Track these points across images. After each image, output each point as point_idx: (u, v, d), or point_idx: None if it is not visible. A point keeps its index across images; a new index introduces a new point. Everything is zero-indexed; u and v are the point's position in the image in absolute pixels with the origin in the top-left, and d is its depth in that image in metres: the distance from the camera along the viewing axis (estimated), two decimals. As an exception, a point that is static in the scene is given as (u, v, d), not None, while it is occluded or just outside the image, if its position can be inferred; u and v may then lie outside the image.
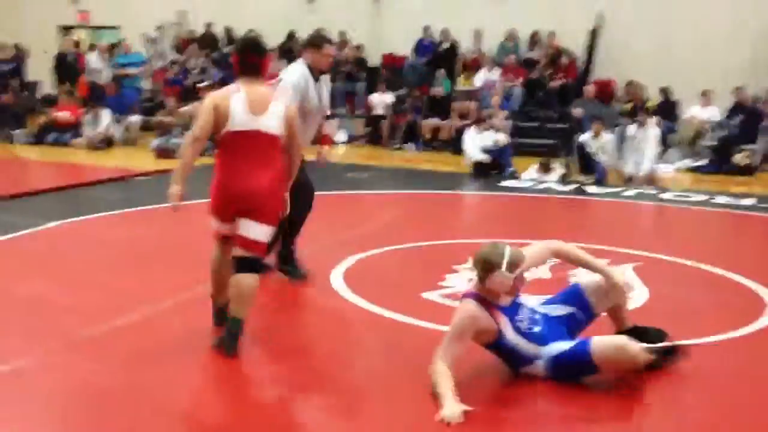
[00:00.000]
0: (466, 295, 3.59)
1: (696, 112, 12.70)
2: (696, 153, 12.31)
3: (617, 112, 12.75)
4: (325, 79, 5.19)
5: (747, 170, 11.55)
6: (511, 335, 3.54)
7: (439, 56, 14.74)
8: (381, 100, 14.34)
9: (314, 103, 5.03)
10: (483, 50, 14.71)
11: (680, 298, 5.06)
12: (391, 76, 15.03)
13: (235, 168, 3.83)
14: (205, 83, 13.45)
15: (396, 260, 5.92)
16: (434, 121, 13.90)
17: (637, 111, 11.55)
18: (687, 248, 6.34)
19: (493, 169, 10.68)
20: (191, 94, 13.58)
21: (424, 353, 3.55)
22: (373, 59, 15.81)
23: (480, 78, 14.08)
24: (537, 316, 3.66)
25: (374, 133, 14.34)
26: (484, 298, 3.53)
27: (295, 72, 5.00)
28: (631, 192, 9.50)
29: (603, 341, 3.50)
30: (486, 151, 10.80)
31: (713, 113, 12.65)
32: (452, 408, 3.18)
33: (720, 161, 11.74)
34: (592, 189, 9.63)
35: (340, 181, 9.54)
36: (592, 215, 8.65)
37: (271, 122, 3.87)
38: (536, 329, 3.59)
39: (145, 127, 14.01)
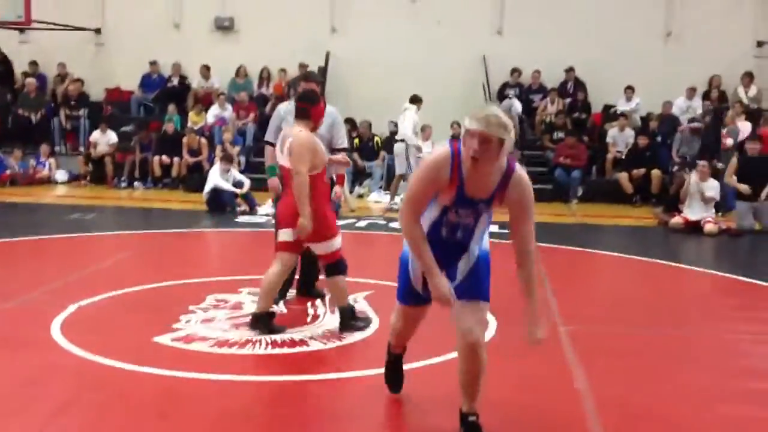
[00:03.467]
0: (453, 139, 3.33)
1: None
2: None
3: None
4: (327, 113, 5.28)
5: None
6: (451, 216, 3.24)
7: (169, 91, 14.36)
8: (104, 138, 13.64)
9: None
10: (215, 86, 14.58)
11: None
12: (116, 112, 14.36)
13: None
14: None
15: (125, 304, 5.57)
16: (165, 158, 13.47)
17: (365, 145, 12.11)
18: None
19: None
20: None
21: (152, 403, 3.34)
22: (97, 94, 15.03)
23: (211, 115, 13.92)
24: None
25: (97, 172, 13.58)
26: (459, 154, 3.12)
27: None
28: (362, 223, 9.87)
29: None
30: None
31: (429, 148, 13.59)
32: (445, 285, 3.18)
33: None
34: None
35: (62, 223, 8.85)
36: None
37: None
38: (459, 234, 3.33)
39: None
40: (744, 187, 10.19)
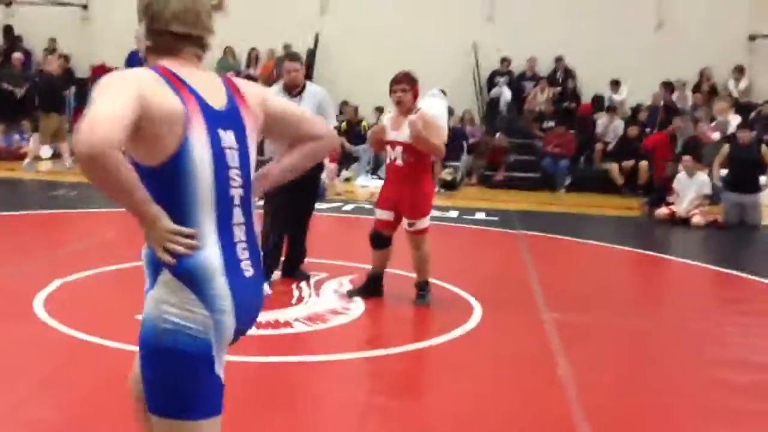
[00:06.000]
0: None
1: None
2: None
3: (335, 131, 13.19)
4: (313, 93, 5.51)
5: (451, 185, 12.52)
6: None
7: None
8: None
9: None
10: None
11: (394, 306, 5.28)
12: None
13: None
14: None
15: (110, 281, 5.52)
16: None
17: (352, 129, 12.04)
18: (399, 260, 6.65)
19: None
20: None
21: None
22: (83, 71, 14.88)
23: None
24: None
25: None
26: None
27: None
28: (348, 207, 9.84)
29: None
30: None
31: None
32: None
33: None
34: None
35: (46, 199, 8.74)
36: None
37: None
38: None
39: None
40: (718, 174, 10.30)
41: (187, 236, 1.84)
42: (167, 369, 1.84)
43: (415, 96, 5.13)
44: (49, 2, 14.61)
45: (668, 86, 13.93)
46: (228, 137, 1.93)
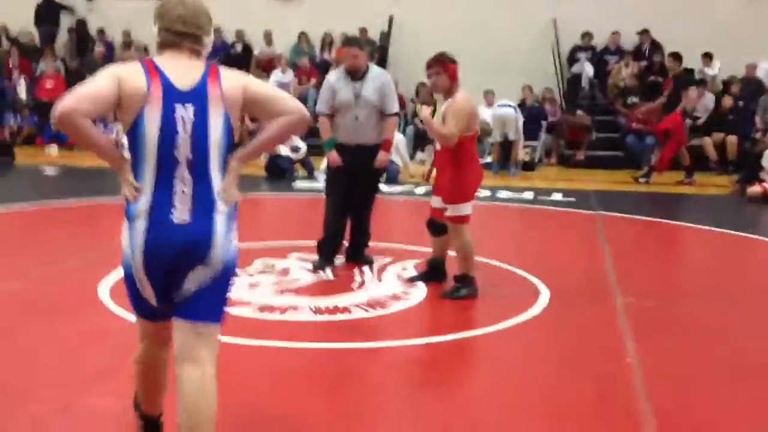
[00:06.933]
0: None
1: (480, 112, 13.17)
2: (482, 151, 12.79)
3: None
4: (375, 76, 5.48)
5: (529, 166, 12.18)
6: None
7: (232, 57, 14.38)
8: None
9: (344, 99, 5.39)
10: (278, 52, 14.54)
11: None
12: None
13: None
14: None
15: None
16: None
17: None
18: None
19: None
20: None
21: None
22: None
23: (272, 80, 13.87)
24: None
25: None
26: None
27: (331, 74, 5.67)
28: (420, 189, 9.68)
29: None
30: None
31: (506, 111, 12.99)
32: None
33: (504, 158, 12.20)
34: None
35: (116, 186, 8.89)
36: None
37: None
38: None
39: None
40: None
41: (136, 188, 2.40)
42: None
43: (453, 77, 4.92)
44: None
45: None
46: (185, 111, 2.40)
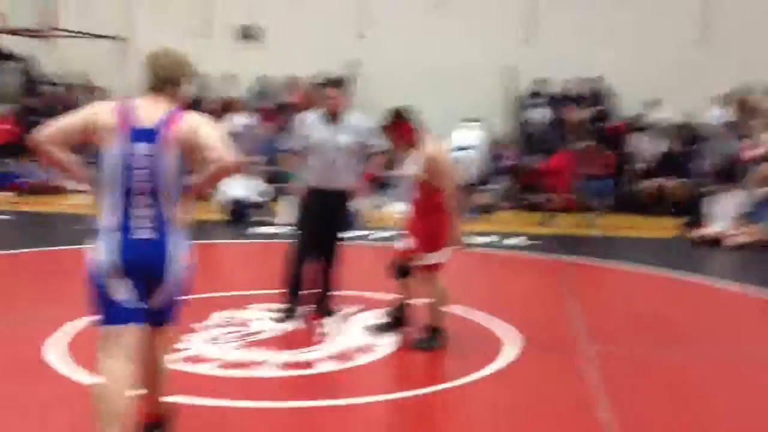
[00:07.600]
0: None
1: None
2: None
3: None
4: (355, 120, 5.43)
5: (486, 209, 12.24)
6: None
7: (193, 100, 14.28)
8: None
9: (319, 141, 5.29)
10: (238, 94, 14.56)
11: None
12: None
13: None
14: None
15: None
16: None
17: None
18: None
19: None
20: None
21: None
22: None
23: (236, 123, 13.76)
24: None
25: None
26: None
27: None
28: (380, 234, 9.60)
29: None
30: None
31: (464, 155, 13.00)
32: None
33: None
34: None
35: (68, 233, 8.60)
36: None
37: None
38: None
39: None
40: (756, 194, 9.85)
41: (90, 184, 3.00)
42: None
43: (406, 135, 4.90)
44: (88, 35, 14.78)
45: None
46: (142, 147, 2.90)
